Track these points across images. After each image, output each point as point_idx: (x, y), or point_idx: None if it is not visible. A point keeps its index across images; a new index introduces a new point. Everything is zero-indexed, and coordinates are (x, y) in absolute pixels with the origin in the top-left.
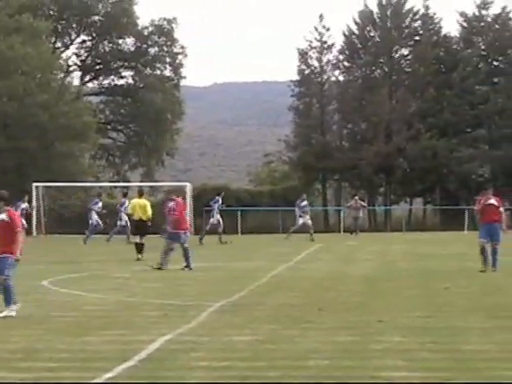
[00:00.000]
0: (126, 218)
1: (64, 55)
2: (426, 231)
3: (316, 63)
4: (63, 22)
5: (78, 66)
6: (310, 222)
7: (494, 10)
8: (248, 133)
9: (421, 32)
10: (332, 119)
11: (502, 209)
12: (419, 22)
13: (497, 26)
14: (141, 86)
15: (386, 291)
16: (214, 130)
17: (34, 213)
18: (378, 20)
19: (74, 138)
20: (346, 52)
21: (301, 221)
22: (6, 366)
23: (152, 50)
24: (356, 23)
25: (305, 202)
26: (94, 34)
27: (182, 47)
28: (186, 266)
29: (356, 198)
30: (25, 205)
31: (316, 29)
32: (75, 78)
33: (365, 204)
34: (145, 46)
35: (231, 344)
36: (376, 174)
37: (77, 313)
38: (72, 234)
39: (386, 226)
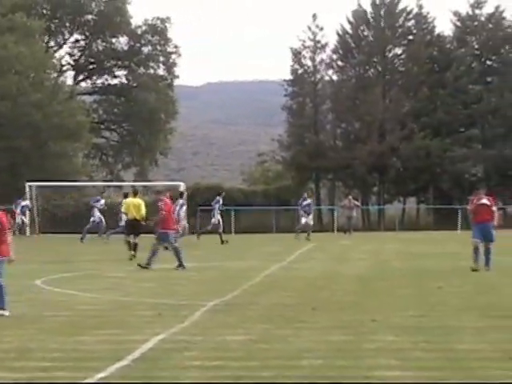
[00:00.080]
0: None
1: (57, 54)
2: (420, 230)
3: (309, 63)
4: (56, 21)
5: (72, 66)
6: (311, 222)
7: (488, 9)
8: (241, 132)
9: (414, 31)
10: (325, 119)
11: (494, 208)
12: (413, 21)
13: (490, 26)
14: (134, 85)
15: (380, 290)
16: (208, 130)
17: (28, 212)
18: (371, 19)
19: (68, 137)
20: (340, 51)
21: (303, 220)
22: None
23: (145, 49)
24: (350, 22)
25: (307, 201)
26: (88, 33)
27: (176, 46)
28: (178, 266)
29: (349, 197)
30: (25, 202)
31: (309, 28)
32: (68, 78)
33: (358, 203)
34: (138, 45)
35: (224, 343)
36: (369, 173)
37: (70, 312)
38: (65, 233)
39: (379, 225)
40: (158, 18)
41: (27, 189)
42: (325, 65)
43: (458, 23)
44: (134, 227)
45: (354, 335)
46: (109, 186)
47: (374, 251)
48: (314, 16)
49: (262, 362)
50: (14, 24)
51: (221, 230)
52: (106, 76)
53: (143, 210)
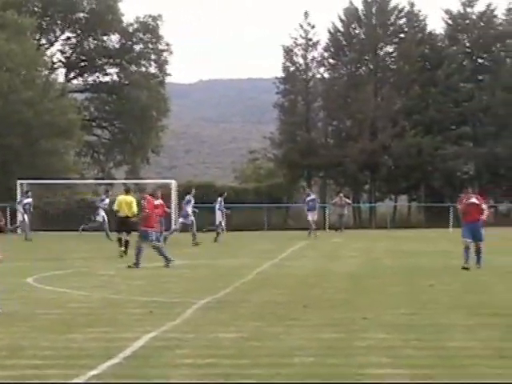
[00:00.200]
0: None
1: (49, 52)
2: (411, 228)
3: (301, 60)
4: (48, 18)
5: (63, 63)
6: (315, 217)
7: (479, 7)
8: (233, 130)
9: (406, 29)
10: (317, 116)
11: (484, 206)
12: (404, 19)
13: (481, 24)
14: (126, 82)
15: (371, 288)
16: (199, 127)
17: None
18: (363, 17)
19: (59, 135)
20: (331, 49)
21: (309, 216)
22: None
23: (137, 47)
24: (341, 20)
25: (311, 197)
26: (79, 31)
27: (167, 44)
28: (166, 263)
29: (341, 195)
30: (28, 200)
31: (301, 26)
32: (60, 75)
33: (349, 201)
34: (130, 42)
35: (216, 341)
36: (361, 171)
37: (61, 310)
38: (57, 231)
39: (370, 223)
40: (149, 16)
41: (18, 186)
42: (316, 63)
43: (450, 21)
44: (126, 224)
45: (345, 333)
46: (100, 184)
47: (366, 249)
48: (306, 14)
49: (254, 359)
50: (5, 21)
51: (219, 231)
52: (97, 74)
53: (135, 208)
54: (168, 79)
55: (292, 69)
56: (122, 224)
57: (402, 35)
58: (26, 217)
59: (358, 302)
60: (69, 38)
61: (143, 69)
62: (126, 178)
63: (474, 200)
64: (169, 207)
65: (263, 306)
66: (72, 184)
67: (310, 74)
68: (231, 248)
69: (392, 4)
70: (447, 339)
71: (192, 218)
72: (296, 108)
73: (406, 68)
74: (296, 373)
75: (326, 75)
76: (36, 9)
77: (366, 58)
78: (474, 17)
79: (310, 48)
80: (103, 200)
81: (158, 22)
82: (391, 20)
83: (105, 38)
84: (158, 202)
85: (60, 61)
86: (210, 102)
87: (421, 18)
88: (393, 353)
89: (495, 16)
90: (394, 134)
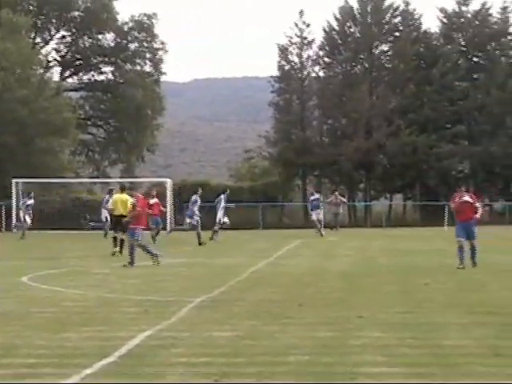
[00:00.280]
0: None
1: (44, 50)
2: (406, 227)
3: (296, 59)
4: (43, 17)
5: (58, 62)
6: (320, 217)
7: (474, 6)
8: (228, 129)
9: (401, 28)
10: (312, 115)
11: (477, 204)
12: (399, 17)
13: (477, 22)
14: (121, 81)
15: (366, 287)
16: (194, 126)
17: (14, 208)
18: (358, 16)
19: (54, 133)
20: (326, 48)
21: (314, 216)
22: None
23: (132, 46)
24: (336, 19)
25: (314, 196)
26: (74, 30)
27: (162, 43)
28: (154, 260)
29: (336, 193)
30: (30, 201)
31: (296, 25)
32: (55, 74)
33: (345, 200)
34: (125, 41)
35: (211, 340)
36: (356, 169)
37: (56, 309)
38: (52, 229)
39: (366, 221)
40: (144, 15)
41: (13, 185)
42: (311, 61)
43: (445, 20)
44: (122, 223)
45: (340, 331)
46: (95, 183)
47: (361, 248)
48: (301, 12)
49: (249, 358)
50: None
51: (216, 228)
52: (92, 72)
53: (130, 207)
54: (163, 78)
55: (287, 67)
56: (117, 223)
57: (397, 34)
58: (27, 217)
59: (353, 300)
60: (64, 37)
61: (138, 67)
62: (121, 177)
63: (467, 198)
64: (164, 206)
65: (258, 305)
66: (67, 183)
67: (305, 72)
68: (227, 247)
69: (387, 3)
70: (442, 338)
71: (198, 218)
72: (291, 107)
73: (401, 67)
74: (291, 371)
75: (321, 74)
76: (31, 7)
77: (361, 56)
78: (469, 15)
79: (305, 47)
80: (108, 201)
81: (153, 20)
82: (386, 19)
83: (100, 36)
84: (154, 201)
85: (55, 59)
86: (205, 100)
87: (416, 16)
88: (388, 351)
89: (490, 15)
90: (389, 133)
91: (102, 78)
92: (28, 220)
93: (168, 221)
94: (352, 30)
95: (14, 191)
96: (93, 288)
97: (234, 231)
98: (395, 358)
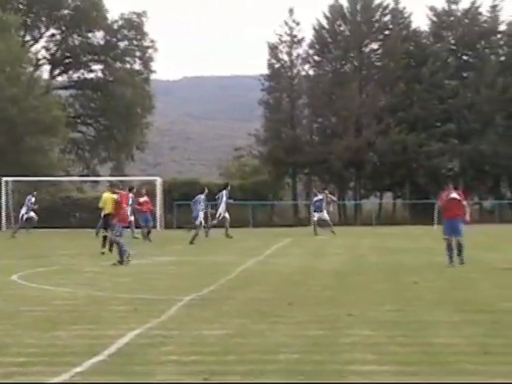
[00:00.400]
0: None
1: (33, 49)
2: (396, 225)
3: (286, 57)
4: (32, 15)
5: (48, 60)
6: (326, 216)
7: (464, 4)
8: (218, 127)
9: (390, 26)
10: (302, 113)
11: (465, 202)
12: (389, 16)
13: (466, 21)
14: (110, 79)
15: (356, 285)
16: (184, 124)
17: (4, 207)
18: (347, 14)
19: (44, 132)
20: (316, 46)
21: (316, 216)
22: None
23: (122, 44)
24: (326, 17)
25: (318, 197)
26: (64, 28)
27: (152, 41)
28: (120, 261)
29: (326, 192)
30: (32, 200)
31: (286, 23)
32: (44, 72)
33: (335, 198)
34: (114, 39)
35: (201, 338)
36: (346, 168)
37: (46, 307)
38: (42, 228)
39: (355, 220)
40: (134, 13)
41: (3, 184)
42: (301, 59)
43: (435, 18)
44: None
45: (330, 330)
46: (85, 181)
47: (351, 246)
48: (291, 11)
49: (239, 356)
50: None
51: (215, 222)
52: (82, 70)
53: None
54: (153, 76)
55: (277, 66)
56: (107, 221)
57: (386, 32)
58: (33, 214)
59: (342, 298)
60: (53, 35)
61: (128, 65)
62: (110, 175)
63: (454, 195)
64: (153, 204)
65: (248, 303)
66: (57, 181)
67: (295, 71)
68: (216, 245)
69: (377, 1)
70: (432, 336)
71: (201, 219)
72: (281, 105)
73: (390, 65)
74: (281, 369)
75: (311, 72)
76: (21, 6)
77: (351, 55)
78: (458, 14)
79: (295, 45)
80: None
81: (143, 18)
82: (376, 17)
83: (89, 34)
84: (143, 199)
85: (45, 58)
86: (195, 98)
87: (405, 15)
88: (378, 349)
89: (480, 13)
90: (379, 131)
91: (91, 76)
92: (34, 216)
93: (158, 219)
94: (342, 28)
95: (3, 190)
96: (83, 286)
97: (223, 229)
98: (385, 356)
